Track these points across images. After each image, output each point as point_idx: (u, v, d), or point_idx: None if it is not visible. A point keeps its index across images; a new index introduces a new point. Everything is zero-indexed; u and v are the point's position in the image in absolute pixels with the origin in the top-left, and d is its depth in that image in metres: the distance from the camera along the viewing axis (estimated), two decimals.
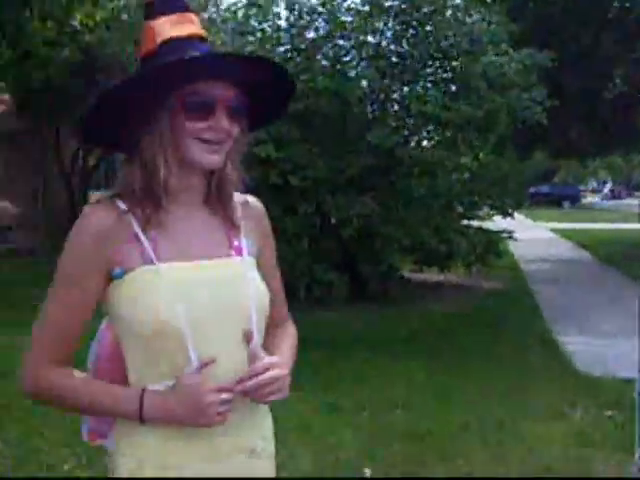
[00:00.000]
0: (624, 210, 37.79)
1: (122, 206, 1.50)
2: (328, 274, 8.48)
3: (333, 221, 9.06)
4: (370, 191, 8.96)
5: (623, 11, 15.76)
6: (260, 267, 1.64)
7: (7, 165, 16.02)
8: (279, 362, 1.52)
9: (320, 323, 7.80)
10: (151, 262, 1.48)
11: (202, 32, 1.56)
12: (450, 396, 5.53)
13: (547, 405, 5.29)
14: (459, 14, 10.14)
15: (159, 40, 1.51)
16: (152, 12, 1.54)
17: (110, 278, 1.49)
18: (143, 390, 1.47)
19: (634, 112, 15.89)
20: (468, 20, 10.09)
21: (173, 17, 1.53)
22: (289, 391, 1.52)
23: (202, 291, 1.50)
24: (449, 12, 10.05)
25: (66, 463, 4.38)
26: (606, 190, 60.72)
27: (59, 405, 1.57)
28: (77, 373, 1.55)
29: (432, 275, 11.55)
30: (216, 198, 1.60)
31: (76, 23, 11.95)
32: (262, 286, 1.61)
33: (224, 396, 1.44)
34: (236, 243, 1.61)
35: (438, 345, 7.26)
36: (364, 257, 9.08)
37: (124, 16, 14.06)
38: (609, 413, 5.06)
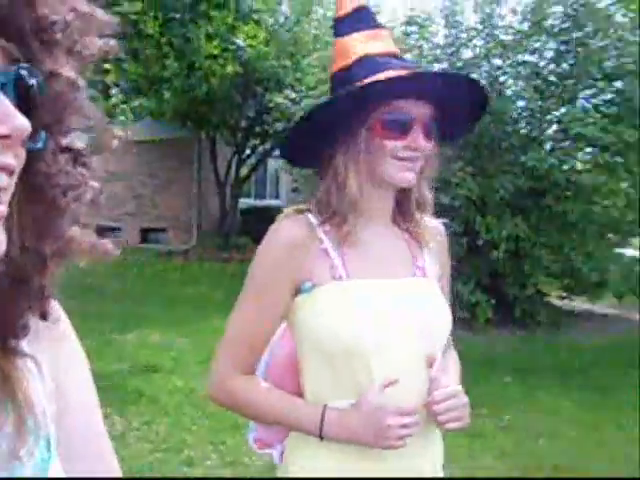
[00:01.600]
0: None
1: (314, 221, 1.51)
2: (474, 295, 8.35)
3: (480, 242, 8.93)
4: (522, 213, 8.77)
5: None
6: None
7: (167, 170, 16.91)
8: (461, 390, 1.50)
9: (463, 343, 7.64)
10: (340, 278, 1.47)
11: (395, 49, 1.54)
12: (598, 430, 5.32)
13: None
14: (623, 33, 9.70)
15: (354, 56, 1.50)
16: (344, 28, 1.53)
17: (298, 291, 1.49)
18: (324, 407, 1.47)
19: None
20: (632, 39, 9.63)
21: (368, 33, 1.51)
22: None
23: (389, 310, 1.48)
24: (612, 30, 9.65)
25: (209, 459, 4.51)
26: None
27: (240, 412, 1.61)
28: (260, 383, 1.58)
29: (581, 303, 11.08)
30: (404, 217, 1.59)
31: (239, 41, 12.48)
32: (446, 309, 1.59)
33: (406, 420, 1.42)
34: (420, 263, 1.59)
35: (585, 376, 6.94)
36: (511, 280, 8.88)
37: (281, 31, 14.46)
38: None
